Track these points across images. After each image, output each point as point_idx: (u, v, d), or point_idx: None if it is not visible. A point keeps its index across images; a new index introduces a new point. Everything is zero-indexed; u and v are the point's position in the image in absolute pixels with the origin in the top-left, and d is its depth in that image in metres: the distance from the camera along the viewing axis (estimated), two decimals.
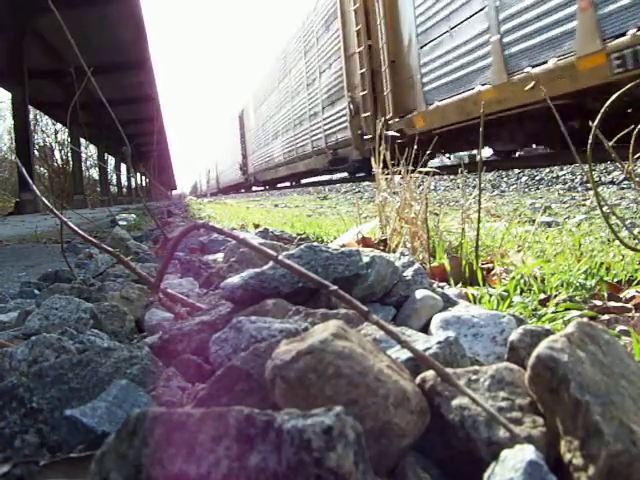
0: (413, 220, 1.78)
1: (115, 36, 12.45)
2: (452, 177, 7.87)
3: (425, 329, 0.97)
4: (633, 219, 2.60)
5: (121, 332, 1.13)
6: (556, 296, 1.19)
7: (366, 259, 1.05)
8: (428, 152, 2.06)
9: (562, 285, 1.31)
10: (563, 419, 0.49)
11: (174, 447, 0.41)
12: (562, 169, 6.34)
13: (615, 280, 1.36)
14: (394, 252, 1.68)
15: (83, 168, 19.02)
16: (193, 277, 1.62)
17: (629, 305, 1.16)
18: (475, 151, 11.82)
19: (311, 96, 17.16)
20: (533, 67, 7.04)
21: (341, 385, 0.50)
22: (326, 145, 15.90)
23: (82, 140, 19.38)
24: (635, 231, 1.78)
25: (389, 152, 2.07)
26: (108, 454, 0.42)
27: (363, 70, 12.21)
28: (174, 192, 52.53)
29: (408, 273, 1.15)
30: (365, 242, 1.89)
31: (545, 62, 6.82)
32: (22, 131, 11.05)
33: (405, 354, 0.65)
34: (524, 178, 6.52)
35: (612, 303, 1.17)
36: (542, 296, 1.23)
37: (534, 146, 10.14)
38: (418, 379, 0.59)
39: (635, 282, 1.31)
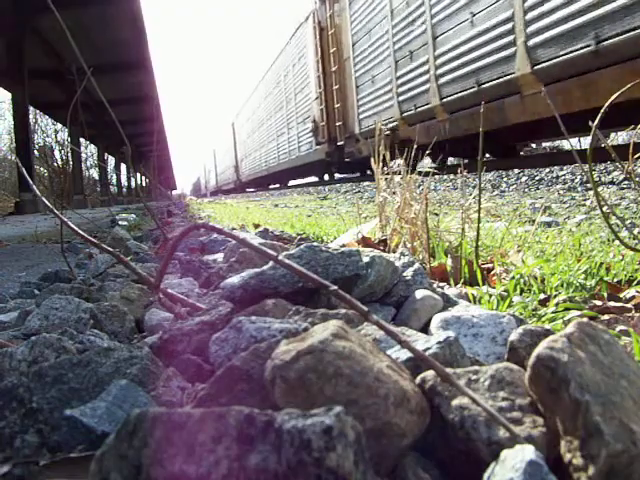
0: (413, 220, 1.78)
1: (115, 36, 12.44)
2: (452, 177, 7.87)
3: (425, 329, 0.97)
4: (633, 219, 2.60)
5: (121, 332, 1.13)
6: (556, 296, 1.19)
7: (366, 259, 1.05)
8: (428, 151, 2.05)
9: (562, 285, 1.31)
10: (563, 419, 0.49)
11: (174, 447, 0.41)
12: (562, 169, 6.34)
13: (615, 280, 1.36)
14: (394, 252, 1.68)
15: (83, 168, 19.02)
16: (193, 277, 1.62)
17: (629, 305, 1.16)
18: None
19: None
20: None
21: (341, 385, 0.50)
22: None
23: (82, 140, 19.36)
24: (635, 231, 1.78)
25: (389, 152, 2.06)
26: (108, 454, 0.42)
27: None
28: (174, 192, 51.54)
29: (408, 273, 1.15)
30: (365, 242, 1.89)
31: None
32: (22, 131, 11.04)
33: (405, 354, 0.65)
34: (524, 178, 6.52)
35: (612, 303, 1.17)
36: (542, 296, 1.23)
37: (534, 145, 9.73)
38: (418, 379, 0.58)
39: (635, 282, 1.31)
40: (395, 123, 11.21)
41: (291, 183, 25.02)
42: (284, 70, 21.12)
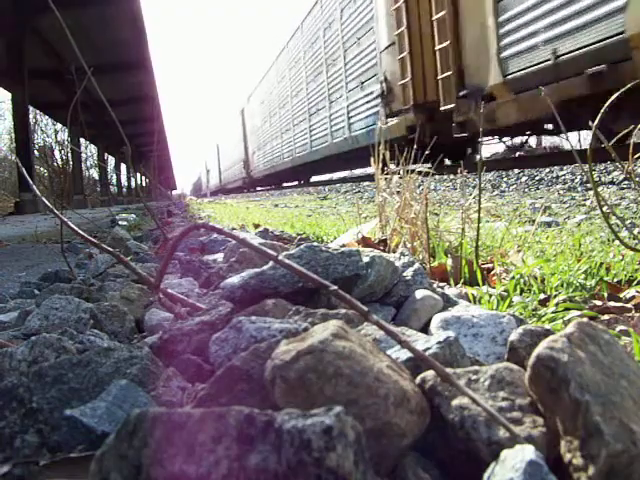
0: (413, 220, 1.78)
1: (115, 36, 12.45)
2: (452, 177, 7.87)
3: (425, 329, 0.97)
4: (633, 219, 2.60)
5: (121, 332, 1.13)
6: (556, 296, 1.19)
7: (366, 259, 1.05)
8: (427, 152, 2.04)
9: (562, 285, 1.31)
10: (563, 419, 0.49)
11: (174, 447, 0.41)
12: (562, 169, 6.34)
13: (615, 280, 1.36)
14: (394, 252, 1.68)
15: (83, 168, 19.03)
16: (193, 277, 1.61)
17: (629, 305, 1.16)
18: None
19: None
20: None
21: (341, 385, 0.50)
22: None
23: (82, 140, 19.36)
24: (635, 231, 1.78)
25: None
26: (108, 454, 0.42)
27: None
28: (174, 192, 51.38)
29: (408, 273, 1.15)
30: (365, 242, 1.89)
31: None
32: (22, 131, 11.05)
33: (405, 354, 0.65)
34: (524, 178, 6.52)
35: (612, 303, 1.17)
36: (542, 296, 1.23)
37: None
38: (418, 379, 0.58)
39: (635, 282, 1.31)
40: (621, 46, 5.31)
41: (320, 178, 16.64)
42: (324, 22, 14.83)
